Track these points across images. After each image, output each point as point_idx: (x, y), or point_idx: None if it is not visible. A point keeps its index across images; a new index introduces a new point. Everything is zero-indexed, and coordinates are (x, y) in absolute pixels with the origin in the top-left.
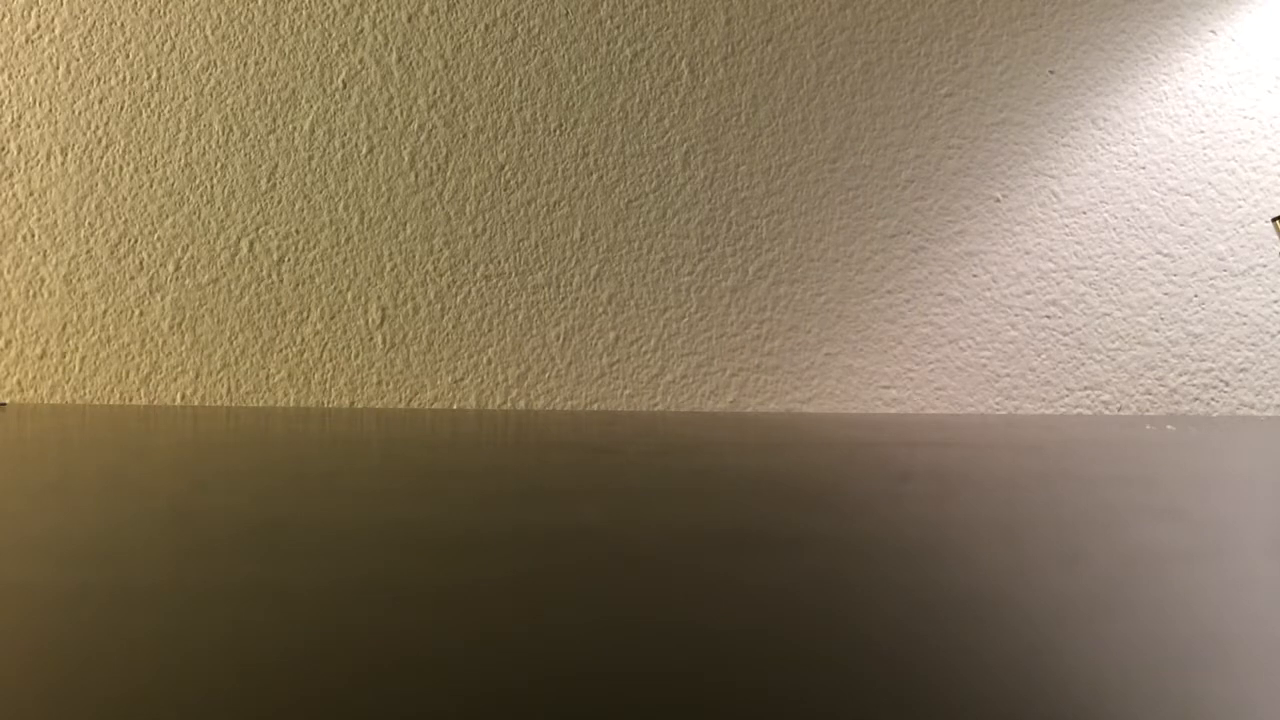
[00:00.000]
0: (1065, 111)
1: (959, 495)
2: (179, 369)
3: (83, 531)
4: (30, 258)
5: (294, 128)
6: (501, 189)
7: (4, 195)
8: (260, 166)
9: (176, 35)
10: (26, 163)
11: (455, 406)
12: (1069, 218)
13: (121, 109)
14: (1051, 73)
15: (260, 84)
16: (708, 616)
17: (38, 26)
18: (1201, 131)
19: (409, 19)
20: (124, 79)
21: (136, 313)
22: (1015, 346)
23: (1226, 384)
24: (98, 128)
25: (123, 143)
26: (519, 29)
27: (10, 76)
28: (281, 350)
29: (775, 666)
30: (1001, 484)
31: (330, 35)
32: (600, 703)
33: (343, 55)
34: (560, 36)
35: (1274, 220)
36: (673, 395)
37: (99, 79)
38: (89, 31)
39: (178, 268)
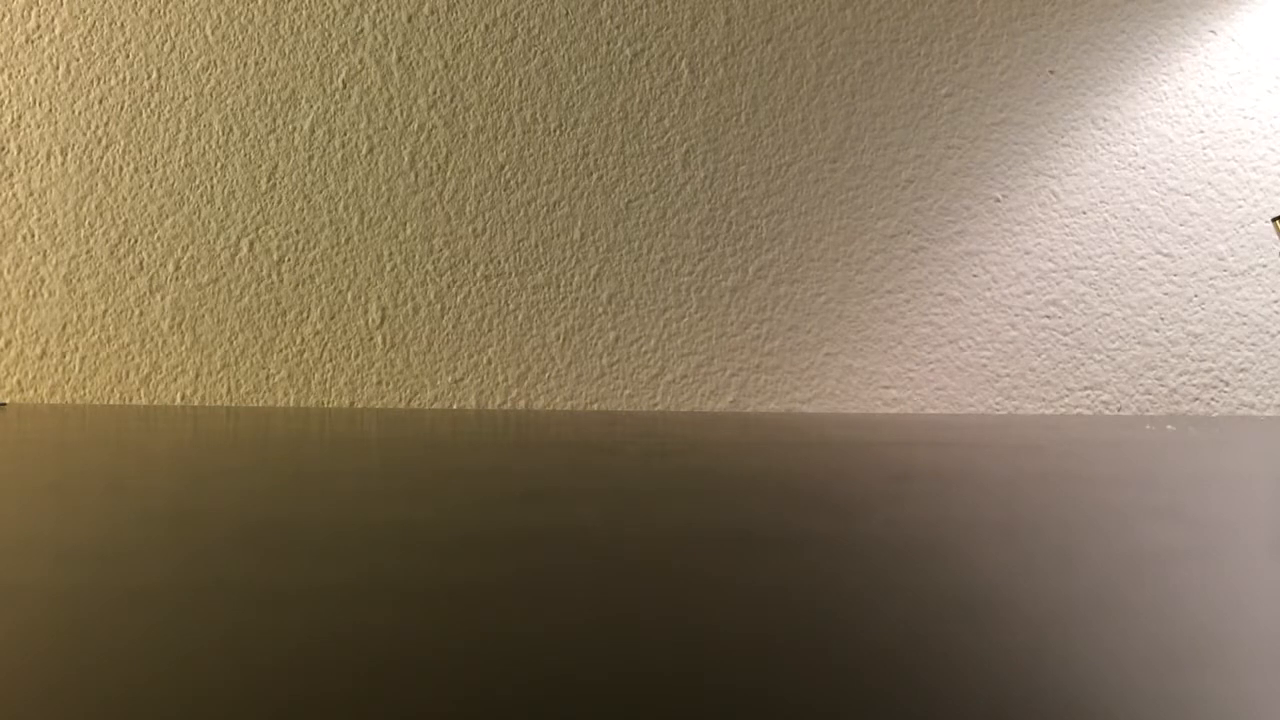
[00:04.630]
0: (1065, 111)
1: (959, 495)
2: (179, 369)
3: (83, 531)
4: (30, 258)
5: (294, 128)
6: (501, 189)
7: (4, 195)
8: (260, 166)
9: (176, 35)
10: (26, 163)
11: (455, 406)
12: (1069, 218)
13: (121, 109)
14: (1051, 73)
15: (260, 84)
16: (707, 617)
17: (38, 26)
18: (1201, 131)
19: (409, 19)
20: (124, 79)
21: (136, 313)
22: (1015, 346)
23: (1226, 384)
24: (98, 128)
25: (123, 143)
26: (519, 29)
27: (10, 76)
28: (281, 350)
29: (775, 667)
30: (1001, 484)
31: (330, 35)
32: (600, 703)
33: (343, 55)
34: (560, 36)
35: (1274, 220)
36: (673, 395)
37: (99, 79)
38: (89, 31)
39: (178, 268)
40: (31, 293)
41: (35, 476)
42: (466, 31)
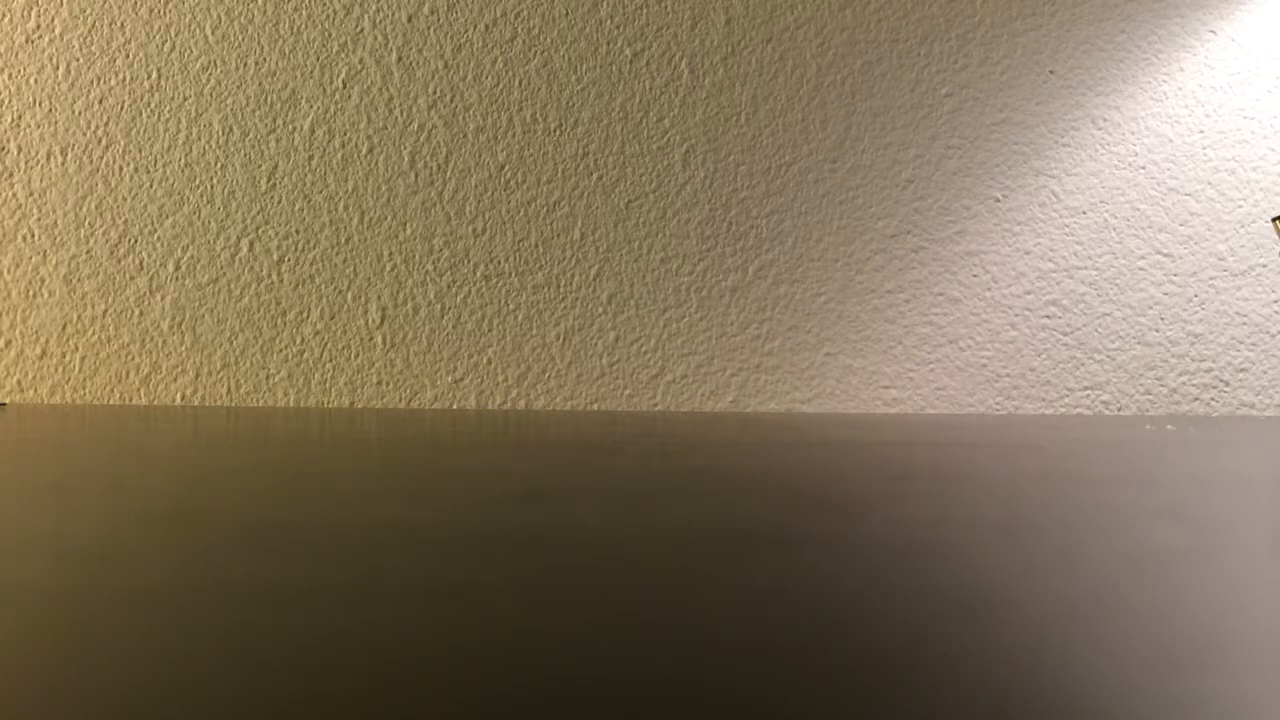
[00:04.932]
0: (1065, 111)
1: (959, 495)
2: (179, 369)
3: (83, 531)
4: (30, 258)
5: (294, 128)
6: (501, 189)
7: (4, 195)
8: (260, 166)
9: (176, 35)
10: (26, 163)
11: (455, 406)
12: (1069, 218)
13: (121, 109)
14: (1051, 73)
15: (260, 84)
16: (707, 617)
17: (38, 26)
18: (1201, 131)
19: (409, 19)
20: (124, 79)
21: (136, 313)
22: (1015, 346)
23: (1226, 384)
24: (98, 128)
25: (123, 143)
26: (519, 29)
27: (10, 76)
28: (281, 350)
29: (775, 667)
30: (1001, 484)
31: (330, 35)
32: (600, 703)
33: (343, 55)
34: (560, 36)
35: (1274, 220)
36: (673, 395)
37: (99, 79)
38: (89, 31)
39: (178, 268)
40: (31, 293)
41: (35, 476)
42: (466, 31)
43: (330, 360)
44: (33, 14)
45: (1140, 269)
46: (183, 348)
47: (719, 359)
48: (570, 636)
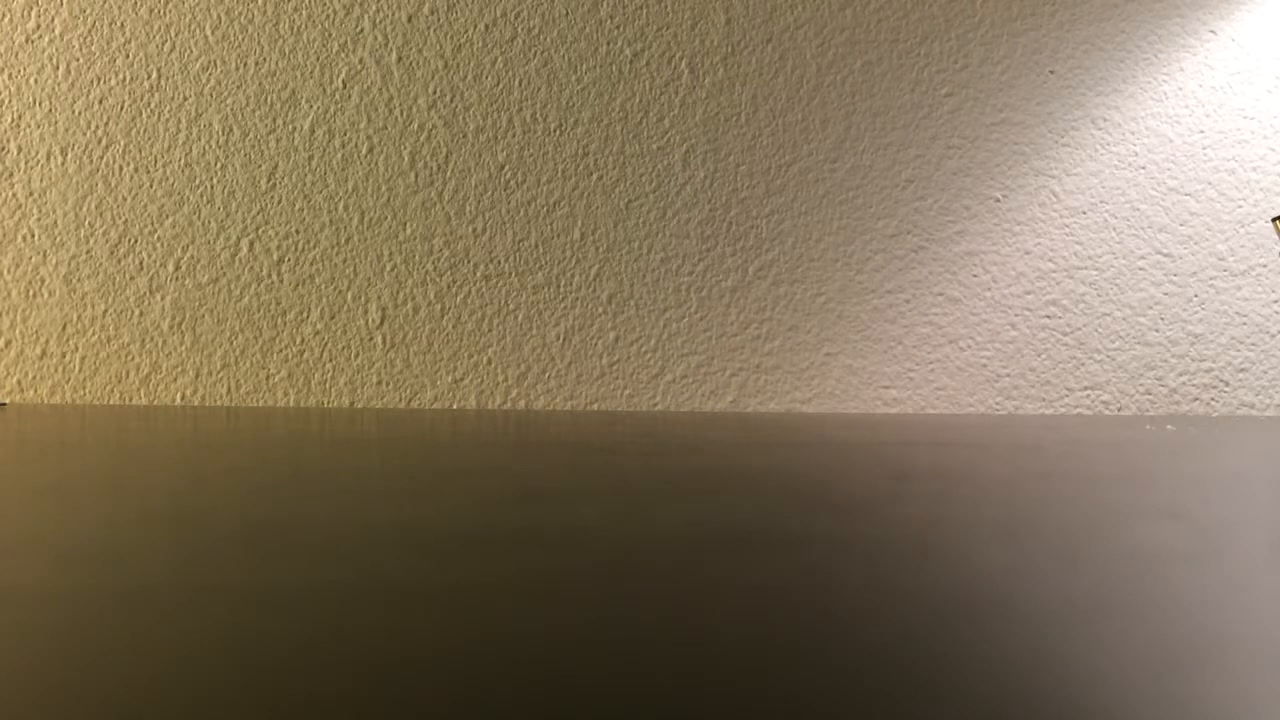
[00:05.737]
0: (1065, 111)
1: (959, 495)
2: (179, 369)
3: (83, 531)
4: (30, 258)
5: (294, 128)
6: (501, 189)
7: (4, 195)
8: (260, 166)
9: (176, 35)
10: (26, 163)
11: (455, 406)
12: (1069, 218)
13: (121, 109)
14: (1051, 73)
15: (260, 84)
16: (707, 617)
17: (38, 26)
18: (1201, 131)
19: (409, 19)
20: (124, 79)
21: (136, 313)
22: (1015, 346)
23: (1226, 384)
24: (98, 128)
25: (123, 143)
26: (519, 29)
27: (10, 76)
28: (281, 350)
29: (775, 667)
30: (1001, 484)
31: (330, 35)
32: (600, 703)
33: (343, 55)
34: (560, 36)
35: (1274, 220)
36: (673, 395)
37: (99, 79)
38: (89, 31)
39: (178, 268)
40: (31, 293)
41: (35, 476)
42: (466, 31)
43: (330, 360)
44: (33, 14)
45: (1140, 269)
46: (183, 348)
47: (719, 359)
48: (570, 636)
